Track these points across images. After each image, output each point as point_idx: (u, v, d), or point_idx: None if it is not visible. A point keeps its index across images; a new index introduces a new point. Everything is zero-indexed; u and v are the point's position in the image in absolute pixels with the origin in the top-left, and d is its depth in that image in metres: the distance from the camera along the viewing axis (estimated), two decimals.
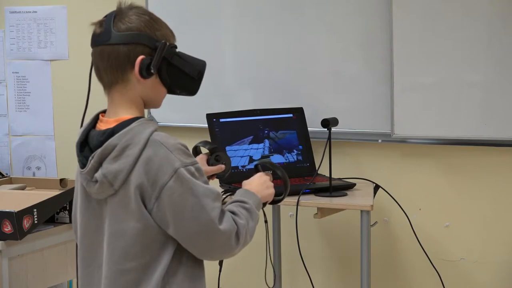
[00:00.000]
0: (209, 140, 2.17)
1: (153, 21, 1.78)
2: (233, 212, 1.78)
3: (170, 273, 1.74)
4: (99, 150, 1.71)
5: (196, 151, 2.22)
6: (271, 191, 1.98)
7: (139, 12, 1.78)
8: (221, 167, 2.18)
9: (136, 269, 1.73)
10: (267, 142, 3.06)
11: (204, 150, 2.21)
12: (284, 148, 3.08)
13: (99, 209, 1.77)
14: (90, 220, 1.80)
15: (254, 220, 1.83)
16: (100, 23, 1.80)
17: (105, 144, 1.71)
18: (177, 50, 1.82)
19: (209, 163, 2.17)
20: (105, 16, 1.81)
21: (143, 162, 1.68)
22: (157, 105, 1.86)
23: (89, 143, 1.77)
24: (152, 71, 1.74)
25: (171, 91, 1.84)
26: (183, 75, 1.80)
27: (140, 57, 1.74)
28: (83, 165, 1.76)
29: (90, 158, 1.73)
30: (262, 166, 2.06)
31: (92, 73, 1.88)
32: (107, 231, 1.75)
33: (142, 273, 1.73)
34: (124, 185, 1.70)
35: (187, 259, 1.77)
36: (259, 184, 1.95)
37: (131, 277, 1.73)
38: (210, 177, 2.17)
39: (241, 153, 3.00)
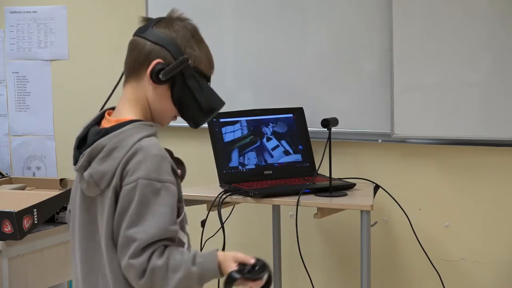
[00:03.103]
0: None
1: (192, 39, 1.78)
2: (161, 253, 1.63)
3: None
4: (88, 149, 1.71)
5: None
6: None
7: (184, 26, 1.79)
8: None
9: (104, 276, 1.71)
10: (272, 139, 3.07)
11: None
12: (284, 146, 3.08)
13: (94, 206, 1.75)
14: (87, 216, 1.78)
15: (185, 278, 1.62)
16: (147, 19, 1.81)
17: (94, 144, 1.71)
18: (207, 82, 1.81)
19: None
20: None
21: (121, 164, 1.67)
22: (162, 120, 1.82)
23: (87, 140, 1.77)
24: (160, 77, 1.73)
25: (180, 113, 1.80)
26: (193, 101, 1.78)
27: (157, 60, 1.74)
28: (76, 161, 1.76)
29: (81, 156, 1.73)
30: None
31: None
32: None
33: (113, 282, 1.70)
34: (108, 187, 1.69)
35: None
36: (233, 259, 1.67)
37: (108, 283, 1.72)
38: None
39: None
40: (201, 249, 3.01)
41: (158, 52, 1.74)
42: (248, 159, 3.00)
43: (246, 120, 3.04)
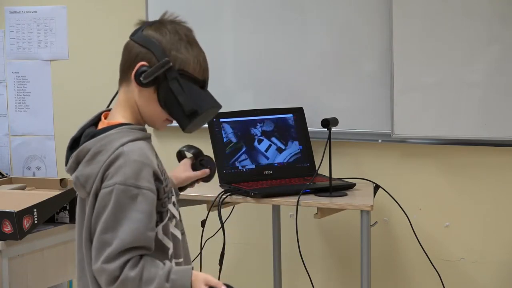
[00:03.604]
0: (193, 144, 2.11)
1: (180, 42, 1.74)
2: (135, 263, 1.63)
3: None
4: (75, 152, 1.73)
5: (181, 156, 2.13)
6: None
7: (175, 28, 1.76)
8: (205, 171, 2.07)
9: (88, 280, 1.72)
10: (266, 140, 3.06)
11: (189, 154, 2.13)
12: (283, 148, 3.08)
13: (85, 207, 1.76)
14: (82, 216, 1.78)
15: None
16: (142, 22, 1.80)
17: (81, 147, 1.72)
18: (203, 87, 1.78)
19: (193, 167, 2.07)
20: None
21: (103, 168, 1.67)
22: (154, 124, 1.80)
23: (80, 142, 1.77)
24: (141, 79, 1.71)
25: (171, 116, 1.77)
26: (177, 104, 1.73)
27: (141, 62, 1.73)
28: (67, 162, 1.77)
29: (70, 157, 1.75)
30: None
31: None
32: None
33: (91, 283, 1.71)
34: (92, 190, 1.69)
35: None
36: (204, 281, 1.66)
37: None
38: (195, 181, 2.09)
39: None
40: (201, 249, 3.01)
41: (144, 55, 1.73)
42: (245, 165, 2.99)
43: (246, 120, 3.03)
